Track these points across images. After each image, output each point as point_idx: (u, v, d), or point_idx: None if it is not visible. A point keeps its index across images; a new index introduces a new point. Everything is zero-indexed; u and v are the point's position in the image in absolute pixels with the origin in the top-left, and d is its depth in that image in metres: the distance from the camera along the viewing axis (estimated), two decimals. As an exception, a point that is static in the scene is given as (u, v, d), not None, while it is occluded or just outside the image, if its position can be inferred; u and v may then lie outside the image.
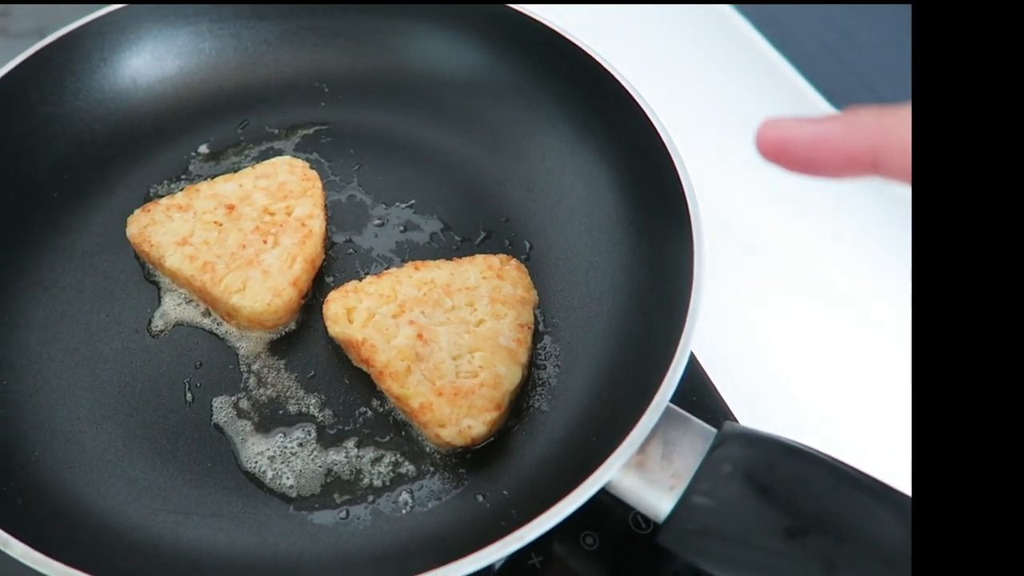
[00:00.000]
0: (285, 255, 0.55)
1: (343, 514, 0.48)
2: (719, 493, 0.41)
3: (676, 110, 0.59)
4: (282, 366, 0.54)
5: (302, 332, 0.55)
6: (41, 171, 0.58)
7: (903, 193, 0.59)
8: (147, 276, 0.57)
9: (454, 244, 0.60)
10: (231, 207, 0.57)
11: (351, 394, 0.53)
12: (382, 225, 0.61)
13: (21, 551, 0.38)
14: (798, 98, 0.81)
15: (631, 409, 0.44)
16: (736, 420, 0.57)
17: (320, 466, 0.50)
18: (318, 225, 0.56)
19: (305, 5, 0.66)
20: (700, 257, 0.48)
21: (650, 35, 0.86)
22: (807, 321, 0.67)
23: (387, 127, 0.66)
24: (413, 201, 0.62)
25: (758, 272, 0.70)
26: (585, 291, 0.57)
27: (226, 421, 0.51)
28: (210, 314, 0.55)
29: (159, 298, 0.56)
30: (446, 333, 0.53)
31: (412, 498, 0.49)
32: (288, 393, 0.53)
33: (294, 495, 0.49)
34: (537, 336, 0.55)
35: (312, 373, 0.54)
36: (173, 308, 0.56)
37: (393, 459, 0.50)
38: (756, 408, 0.58)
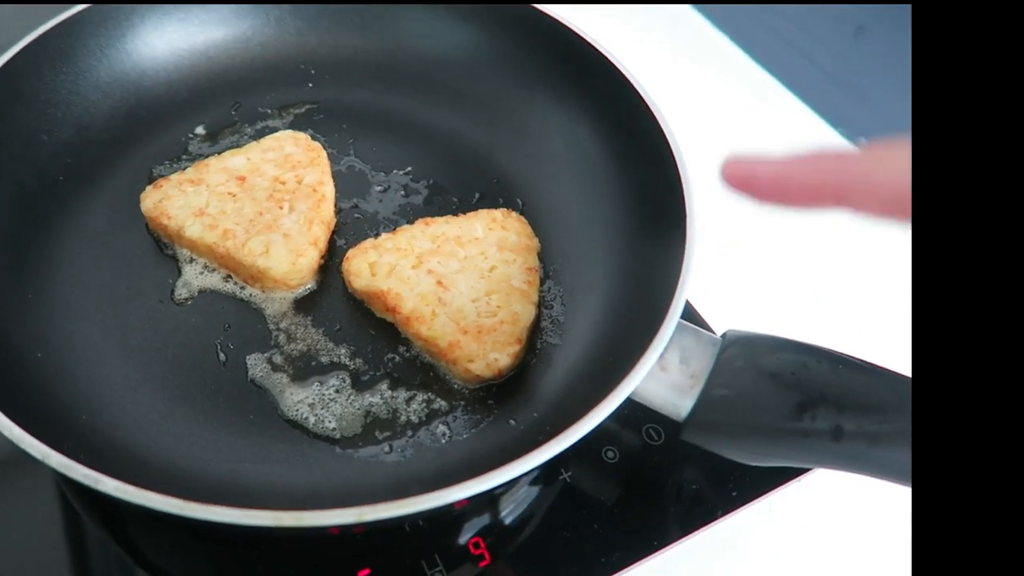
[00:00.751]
0: (302, 219, 0.58)
1: (386, 448, 0.52)
2: (735, 384, 0.47)
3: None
4: (308, 323, 0.57)
5: (322, 291, 0.58)
6: (46, 156, 0.59)
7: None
8: (161, 250, 0.59)
9: (452, 205, 0.65)
10: (242, 179, 0.59)
11: (378, 343, 0.56)
12: (385, 190, 0.65)
13: (113, 486, 0.40)
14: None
15: (645, 328, 0.49)
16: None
17: (358, 408, 0.53)
18: (329, 190, 0.60)
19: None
20: (689, 189, 0.54)
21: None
22: (804, 243, 0.73)
23: (374, 104, 0.70)
24: (409, 168, 0.66)
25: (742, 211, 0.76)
26: (579, 238, 0.62)
27: (262, 376, 0.54)
28: (232, 280, 0.58)
29: (178, 270, 0.58)
30: (463, 279, 0.57)
31: (449, 429, 0.53)
32: (318, 346, 0.56)
33: (338, 436, 0.52)
34: (540, 280, 0.60)
35: (338, 327, 0.57)
36: (195, 277, 0.58)
37: (425, 397, 0.54)
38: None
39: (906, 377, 0.45)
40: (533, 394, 0.55)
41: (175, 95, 0.66)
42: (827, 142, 0.82)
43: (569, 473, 0.55)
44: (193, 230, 0.57)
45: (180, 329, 0.56)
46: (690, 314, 0.64)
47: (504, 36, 0.69)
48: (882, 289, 0.70)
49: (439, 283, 0.56)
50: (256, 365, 0.55)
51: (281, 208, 0.58)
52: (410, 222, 0.62)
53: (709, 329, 0.64)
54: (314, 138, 0.66)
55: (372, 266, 0.57)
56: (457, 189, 0.66)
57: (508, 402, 0.54)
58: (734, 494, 0.54)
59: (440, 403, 0.54)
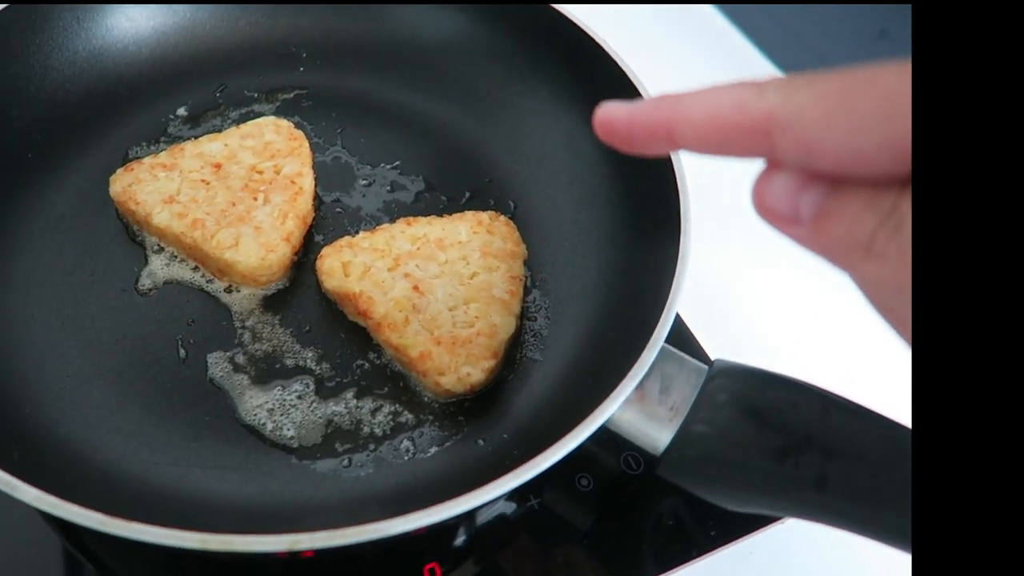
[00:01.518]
0: (276, 212, 0.55)
1: (345, 462, 0.49)
2: (716, 420, 0.43)
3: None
4: (276, 322, 0.54)
5: (294, 289, 0.56)
6: (13, 132, 0.57)
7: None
8: (132, 237, 0.57)
9: (440, 203, 0.61)
10: (218, 165, 0.57)
11: (347, 347, 0.53)
12: (369, 185, 0.61)
13: (34, 495, 0.37)
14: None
15: (627, 351, 0.46)
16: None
17: (320, 417, 0.50)
18: (308, 183, 0.57)
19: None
20: (686, 202, 0.51)
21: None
22: (790, 276, 0.69)
23: (367, 91, 0.67)
24: (398, 163, 0.63)
25: (740, 226, 0.72)
26: (570, 247, 0.59)
27: (222, 376, 0.51)
28: (200, 272, 0.55)
29: (145, 258, 0.56)
30: (441, 285, 0.54)
31: (413, 445, 0.50)
32: (284, 348, 0.53)
33: (295, 445, 0.49)
34: (526, 290, 0.57)
35: (307, 328, 0.54)
36: (161, 267, 0.55)
37: (392, 409, 0.51)
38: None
39: (905, 427, 0.41)
40: (506, 413, 0.52)
41: (156, 74, 0.63)
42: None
43: (538, 500, 0.52)
44: (161, 217, 0.54)
45: (141, 321, 0.53)
46: (683, 336, 0.60)
47: (507, 29, 0.66)
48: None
49: (415, 288, 0.53)
50: (217, 364, 0.52)
51: (255, 199, 0.55)
52: (393, 220, 0.59)
53: (702, 353, 0.60)
54: (299, 126, 0.63)
55: (346, 266, 0.54)
56: (447, 187, 0.62)
57: (479, 419, 0.51)
58: (712, 533, 0.51)
59: (407, 416, 0.51)
